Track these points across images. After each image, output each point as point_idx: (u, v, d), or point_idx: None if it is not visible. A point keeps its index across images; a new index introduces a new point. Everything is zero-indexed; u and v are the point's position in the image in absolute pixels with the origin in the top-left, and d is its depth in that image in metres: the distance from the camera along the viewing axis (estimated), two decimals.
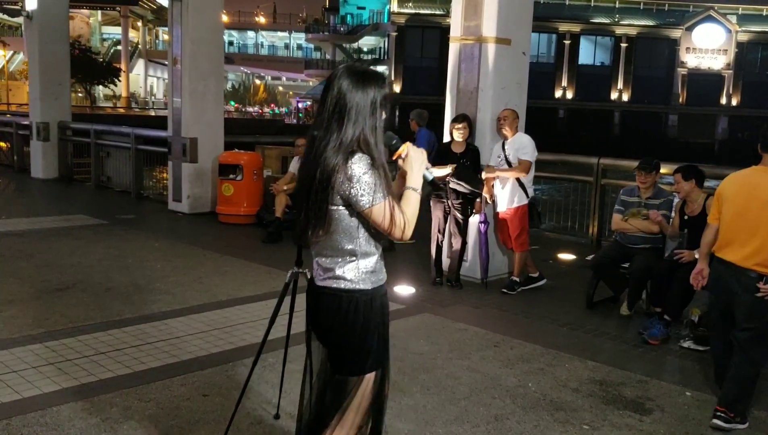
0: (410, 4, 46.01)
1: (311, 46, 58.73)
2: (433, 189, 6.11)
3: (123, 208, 10.31)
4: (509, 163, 6.21)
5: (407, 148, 2.37)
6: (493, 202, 6.43)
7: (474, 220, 6.46)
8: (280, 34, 65.16)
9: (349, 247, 2.29)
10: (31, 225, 8.59)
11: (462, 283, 6.44)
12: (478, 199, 6.30)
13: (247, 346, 4.64)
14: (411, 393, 4.02)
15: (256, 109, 61.88)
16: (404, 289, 6.23)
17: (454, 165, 6.13)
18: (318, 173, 2.20)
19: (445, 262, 6.57)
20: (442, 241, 6.48)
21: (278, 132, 34.03)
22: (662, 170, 5.99)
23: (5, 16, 40.14)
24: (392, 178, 2.33)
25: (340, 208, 2.24)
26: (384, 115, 2.33)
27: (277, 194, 8.46)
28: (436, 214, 6.42)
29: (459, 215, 6.30)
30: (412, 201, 2.29)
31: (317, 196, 2.22)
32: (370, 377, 2.38)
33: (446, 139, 6.56)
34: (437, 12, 45.27)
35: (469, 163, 6.23)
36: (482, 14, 6.38)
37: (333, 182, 2.19)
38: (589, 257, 6.63)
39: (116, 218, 9.30)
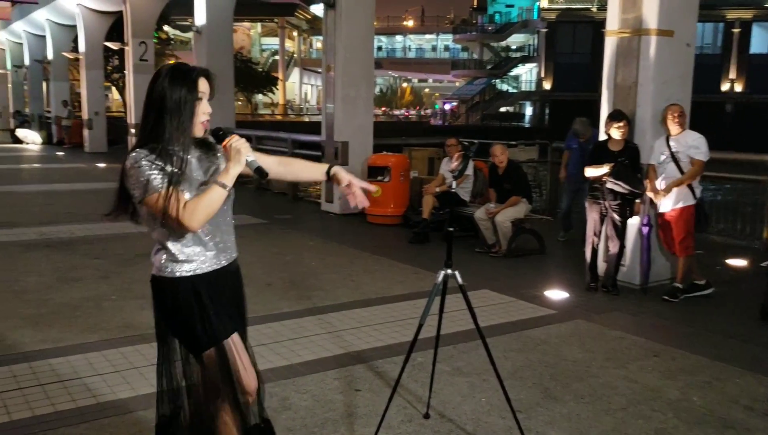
0: (561, 0, 44.69)
1: (458, 47, 58.70)
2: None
3: (281, 208, 10.88)
4: (676, 161, 5.84)
5: (229, 141, 2.33)
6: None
7: (633, 222, 6.15)
8: (427, 36, 65.75)
9: (153, 235, 2.40)
10: None
11: (619, 289, 6.15)
12: (637, 200, 5.98)
13: (395, 344, 4.71)
14: (564, 401, 3.89)
15: (402, 111, 62.85)
16: (556, 294, 6.06)
17: (611, 164, 5.87)
18: (122, 165, 2.34)
19: (601, 266, 6.30)
20: (597, 245, 6.22)
21: (424, 133, 34.34)
22: None
23: (177, 32, 43.65)
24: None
25: (134, 199, 2.33)
26: (203, 108, 2.34)
27: (426, 195, 8.53)
28: (592, 215, 6.17)
29: (616, 217, 6.01)
30: (209, 195, 2.26)
31: (120, 186, 2.35)
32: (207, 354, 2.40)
33: (602, 137, 6.30)
34: (589, 6, 43.60)
35: (627, 162, 5.93)
36: (642, 5, 6.06)
37: (120, 176, 2.32)
38: (764, 263, 6.09)
39: (275, 218, 9.83)
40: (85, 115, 21.61)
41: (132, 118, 17.99)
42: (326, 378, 4.14)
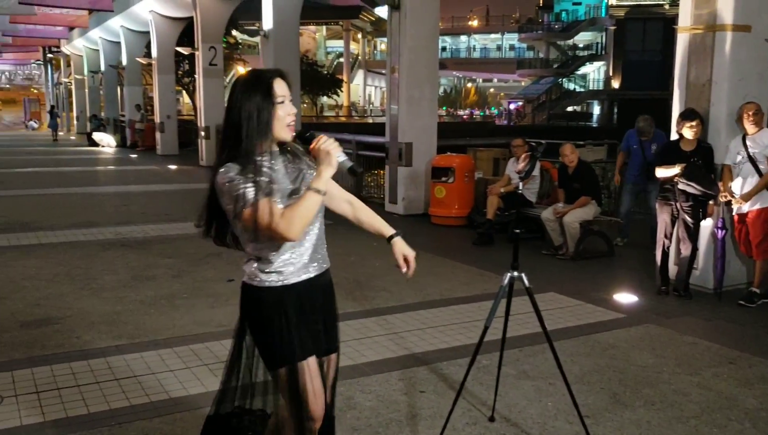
0: None
1: (524, 46, 57.98)
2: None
3: None
4: (753, 162, 5.62)
5: (317, 143, 2.24)
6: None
7: (706, 224, 5.95)
8: (492, 36, 65.18)
9: (247, 248, 2.36)
10: None
11: (691, 293, 5.95)
12: (711, 202, 5.79)
13: (459, 346, 4.69)
14: (633, 407, 3.80)
15: (466, 112, 62.49)
16: (625, 298, 5.91)
17: (684, 164, 5.69)
18: (210, 182, 2.32)
19: (672, 269, 6.11)
20: (669, 247, 6.04)
21: (489, 134, 34.06)
22: None
23: (245, 37, 44.68)
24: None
25: (227, 212, 2.28)
26: (286, 110, 2.27)
27: (491, 196, 8.47)
28: (663, 217, 6.00)
29: (689, 219, 5.83)
30: (306, 203, 2.19)
31: (211, 202, 2.34)
32: (282, 372, 2.35)
33: (673, 136, 6.12)
34: (660, 2, 42.34)
35: (700, 163, 5.74)
36: (716, 0, 5.85)
37: (212, 190, 2.30)
38: None
39: (339, 218, 9.90)
40: (157, 118, 22.34)
41: (202, 121, 18.49)
42: (390, 379, 4.16)
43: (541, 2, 54.01)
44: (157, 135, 22.42)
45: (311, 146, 2.26)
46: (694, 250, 5.91)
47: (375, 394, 3.95)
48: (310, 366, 2.35)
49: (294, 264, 2.33)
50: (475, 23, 64.55)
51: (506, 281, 3.27)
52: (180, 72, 27.74)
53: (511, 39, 61.29)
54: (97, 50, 30.07)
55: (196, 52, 18.31)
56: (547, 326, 3.33)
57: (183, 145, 22.86)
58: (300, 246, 2.34)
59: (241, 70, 52.51)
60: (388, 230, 2.61)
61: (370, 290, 6.14)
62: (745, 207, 5.72)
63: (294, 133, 2.32)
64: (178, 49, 20.71)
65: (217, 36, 18.49)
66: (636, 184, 8.02)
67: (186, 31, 21.37)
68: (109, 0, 19.36)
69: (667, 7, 41.20)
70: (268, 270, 2.32)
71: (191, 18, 18.88)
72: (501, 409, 3.71)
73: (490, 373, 4.04)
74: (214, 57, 18.21)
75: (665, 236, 6.02)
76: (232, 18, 20.63)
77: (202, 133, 18.58)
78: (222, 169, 2.22)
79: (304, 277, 2.36)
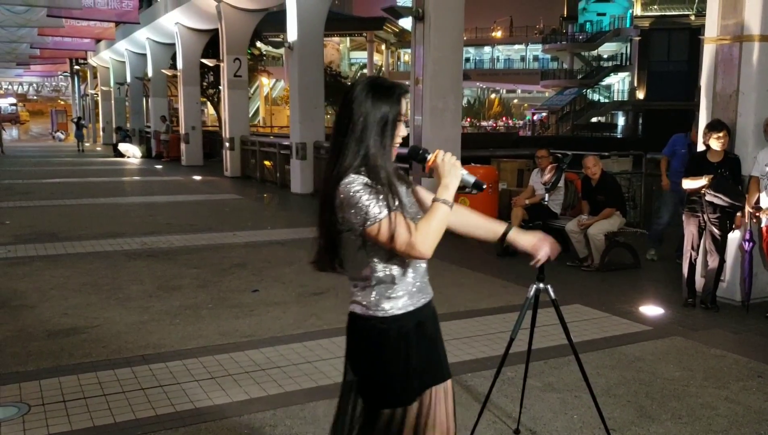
0: (655, 7, 43.23)
1: (548, 57, 57.77)
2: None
3: None
4: None
5: (436, 158, 2.13)
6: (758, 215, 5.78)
7: (733, 236, 5.87)
8: (516, 47, 65.01)
9: (364, 272, 2.11)
10: (292, 235, 9.52)
11: (718, 306, 5.87)
12: (738, 214, 5.71)
13: (484, 358, 4.67)
14: (660, 420, 3.75)
15: (490, 123, 62.37)
16: (651, 310, 5.85)
17: (711, 175, 5.63)
18: (324, 196, 2.09)
19: (699, 281, 6.04)
20: (696, 259, 5.98)
21: (513, 145, 33.90)
22: None
23: (269, 48, 45.09)
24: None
25: (344, 231, 2.08)
26: (402, 131, 2.11)
27: (515, 207, 8.43)
28: (690, 229, 5.94)
29: (716, 231, 5.76)
30: (437, 215, 2.03)
31: (324, 220, 2.11)
32: (387, 413, 2.14)
33: (700, 147, 6.06)
34: (686, 12, 41.98)
35: (728, 174, 5.68)
36: (743, 11, 5.80)
37: (334, 205, 2.05)
38: None
39: None
40: (182, 129, 22.59)
41: (227, 132, 18.67)
42: None
43: (565, 13, 53.84)
44: (182, 146, 22.66)
45: (429, 163, 2.16)
46: (722, 262, 5.83)
47: None
48: (423, 402, 2.18)
49: (416, 286, 2.16)
50: (498, 34, 64.47)
51: (532, 293, 3.27)
52: (205, 83, 28.04)
53: (535, 50, 61.09)
54: (124, 62, 30.54)
55: (221, 64, 18.52)
56: (573, 338, 3.30)
57: (207, 156, 23.09)
58: (420, 267, 2.18)
59: (265, 81, 53.13)
60: (499, 229, 2.41)
61: None
62: (766, 218, 5.63)
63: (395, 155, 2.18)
64: (203, 60, 20.97)
65: (242, 47, 18.68)
66: (678, 191, 7.26)
67: (211, 43, 21.63)
68: (136, 12, 19.68)
69: (693, 18, 40.82)
70: (393, 295, 2.12)
71: (216, 30, 19.13)
72: (526, 421, 3.69)
73: (515, 386, 4.02)
74: (239, 68, 18.40)
75: (692, 248, 5.95)
76: (257, 30, 20.82)
77: (227, 144, 18.76)
78: (347, 180, 2.03)
79: (423, 301, 2.19)
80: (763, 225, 5.74)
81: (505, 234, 2.39)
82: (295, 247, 8.60)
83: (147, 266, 7.57)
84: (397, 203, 2.03)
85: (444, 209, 2.06)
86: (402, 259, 2.09)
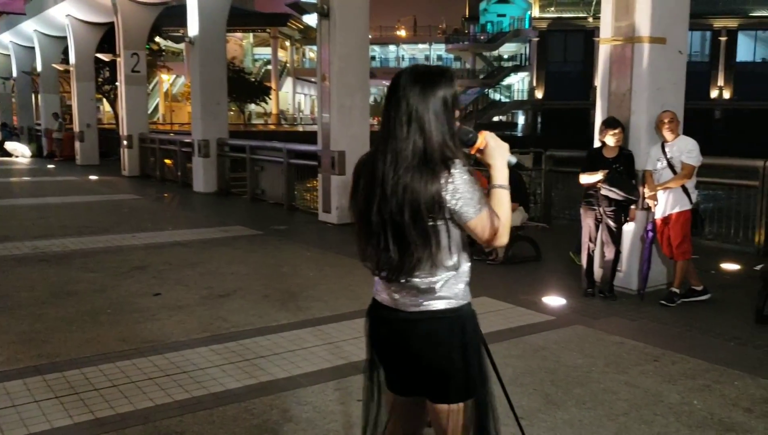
0: (552, 9, 44.95)
1: (451, 56, 58.91)
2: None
3: (276, 219, 10.84)
4: (672, 167, 5.86)
5: (485, 139, 2.13)
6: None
7: (628, 228, 6.16)
8: (420, 46, 65.94)
9: (449, 262, 2.11)
10: (195, 235, 9.24)
11: (616, 295, 6.15)
12: (632, 207, 6.00)
13: None
14: (566, 407, 3.88)
15: None
16: (554, 300, 6.05)
17: (606, 171, 5.89)
18: (408, 192, 1.99)
19: (597, 272, 6.31)
20: (593, 251, 6.24)
21: None
22: None
23: (169, 43, 43.66)
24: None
25: (439, 223, 2.05)
26: (457, 113, 2.10)
27: None
28: (587, 222, 6.19)
29: (612, 223, 6.03)
30: (503, 201, 2.07)
31: (414, 216, 2.01)
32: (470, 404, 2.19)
33: (596, 144, 6.32)
34: (581, 15, 43.87)
35: (622, 169, 5.95)
36: (635, 13, 6.10)
37: (435, 198, 1.99)
38: (758, 267, 6.13)
39: (270, 229, 9.80)
40: (76, 127, 21.55)
41: (125, 130, 17.93)
42: (327, 389, 4.11)
43: (466, 13, 55.04)
44: (76, 144, 21.61)
45: (477, 145, 2.13)
46: (618, 253, 6.11)
47: (312, 405, 3.89)
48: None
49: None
50: (403, 33, 65.18)
51: None
52: (100, 79, 26.87)
53: (439, 49, 62.15)
54: (9, 55, 28.75)
55: (118, 59, 17.77)
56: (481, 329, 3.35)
57: (104, 154, 22.16)
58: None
59: (165, 77, 51.43)
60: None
61: (304, 300, 6.07)
62: (665, 211, 5.93)
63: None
64: (98, 55, 20.06)
65: (140, 42, 17.99)
66: None
67: (106, 37, 20.70)
68: (21, 2, 18.57)
69: (590, 20, 42.70)
70: (466, 283, 2.18)
71: (112, 23, 18.32)
72: None
73: None
74: (137, 64, 17.71)
75: (590, 240, 6.21)
76: (156, 24, 20.10)
77: (125, 142, 18.02)
78: (459, 168, 2.00)
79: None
80: (657, 217, 6.04)
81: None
82: (198, 248, 8.36)
83: (39, 271, 7.14)
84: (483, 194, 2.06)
85: (505, 193, 2.10)
86: (466, 250, 2.14)
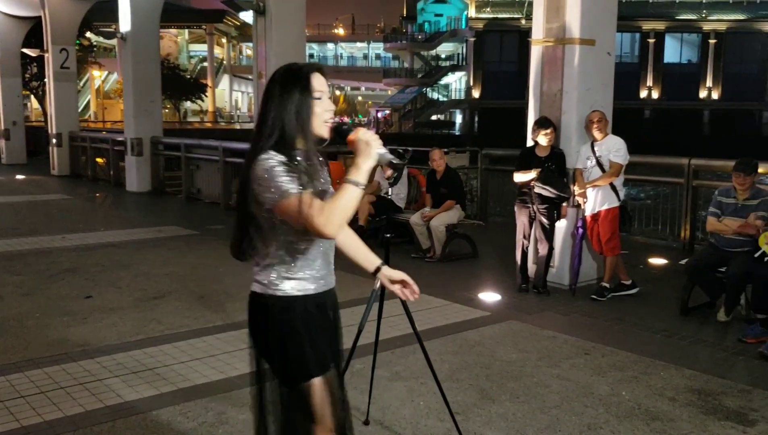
0: (488, 9, 45.66)
1: (389, 55, 59.14)
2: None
3: (212, 218, 10.66)
4: (601, 165, 6.05)
5: (357, 135, 2.14)
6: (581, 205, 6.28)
7: (560, 225, 6.33)
8: (358, 44, 65.98)
9: (267, 249, 2.22)
10: (128, 236, 9.01)
11: (549, 290, 6.31)
12: (564, 204, 6.17)
13: None
14: (500, 401, 3.97)
15: (336, 119, 62.84)
16: (489, 296, 6.17)
17: (539, 169, 6.03)
18: (242, 174, 2.20)
19: (531, 268, 6.46)
20: (527, 247, 6.38)
21: None
22: (760, 170, 5.69)
23: (101, 39, 42.37)
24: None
25: (257, 211, 2.18)
26: (326, 106, 2.22)
27: (361, 203, 8.52)
28: (521, 219, 6.33)
29: (545, 220, 6.18)
30: (344, 195, 2.06)
31: (244, 204, 2.19)
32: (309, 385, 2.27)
33: (529, 143, 6.46)
34: (515, 16, 44.73)
35: (554, 167, 6.11)
36: (565, 15, 6.26)
37: (250, 181, 2.13)
38: (683, 261, 6.36)
39: (206, 229, 9.63)
40: (1, 125, 20.70)
41: (53, 127, 17.32)
42: (264, 390, 4.07)
43: (404, 13, 55.35)
44: (2, 143, 20.75)
45: (349, 138, 2.15)
46: (551, 249, 6.27)
47: (248, 406, 3.85)
48: (333, 377, 2.32)
49: (314, 275, 2.27)
50: (341, 31, 65.08)
51: (378, 285, 3.30)
52: (27, 75, 25.83)
53: (377, 48, 62.31)
54: None
55: (46, 55, 17.14)
56: (417, 327, 3.40)
57: (32, 153, 21.39)
58: (323, 254, 2.29)
59: (96, 73, 49.89)
60: (374, 262, 2.59)
61: (241, 301, 5.96)
62: (594, 208, 6.12)
63: (330, 129, 2.24)
64: (25, 50, 19.30)
65: (70, 37, 17.40)
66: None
67: (33, 32, 19.94)
68: None
69: (523, 21, 43.55)
70: (292, 277, 2.22)
71: (39, 17, 17.65)
72: (375, 412, 3.74)
73: (363, 377, 4.06)
74: (66, 60, 17.12)
75: (524, 237, 6.35)
76: (86, 19, 19.49)
77: (54, 141, 17.41)
78: (264, 156, 2.10)
79: (322, 289, 2.31)
80: (587, 214, 6.23)
81: (378, 269, 2.60)
82: (131, 250, 8.15)
83: None
84: (312, 181, 2.12)
85: (351, 189, 2.06)
86: (308, 241, 2.20)
